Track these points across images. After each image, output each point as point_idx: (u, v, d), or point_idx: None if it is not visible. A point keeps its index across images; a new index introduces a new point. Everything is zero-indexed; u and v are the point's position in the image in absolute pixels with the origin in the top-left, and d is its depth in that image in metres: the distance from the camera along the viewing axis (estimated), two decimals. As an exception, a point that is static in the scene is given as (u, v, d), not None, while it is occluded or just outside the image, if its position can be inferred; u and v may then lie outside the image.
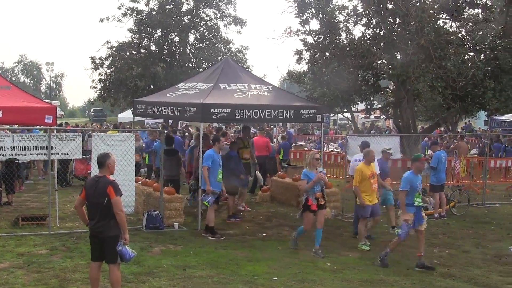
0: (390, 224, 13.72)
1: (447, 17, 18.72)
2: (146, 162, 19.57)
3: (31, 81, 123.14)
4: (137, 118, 19.38)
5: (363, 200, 12.02)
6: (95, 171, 11.49)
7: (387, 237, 13.02)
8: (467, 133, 39.36)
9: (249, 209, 16.46)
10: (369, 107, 21.76)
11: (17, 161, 15.08)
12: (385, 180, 13.46)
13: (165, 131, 17.08)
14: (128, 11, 38.85)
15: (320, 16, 19.16)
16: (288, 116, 14.34)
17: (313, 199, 11.34)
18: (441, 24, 18.50)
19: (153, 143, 18.07)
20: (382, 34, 18.35)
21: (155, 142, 17.64)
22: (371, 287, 9.61)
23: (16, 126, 19.63)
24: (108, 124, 46.81)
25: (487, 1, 18.69)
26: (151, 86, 36.86)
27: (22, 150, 12.86)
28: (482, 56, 18.88)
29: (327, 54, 19.61)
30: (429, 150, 21.26)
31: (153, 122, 42.68)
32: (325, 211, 11.95)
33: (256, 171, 17.89)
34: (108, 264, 8.06)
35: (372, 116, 39.31)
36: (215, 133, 19.51)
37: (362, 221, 12.32)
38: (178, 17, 39.29)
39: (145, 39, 39.57)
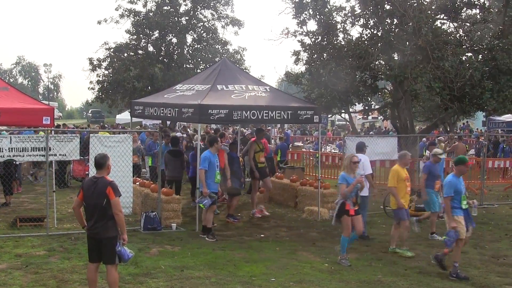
0: (431, 230, 13.56)
1: (444, 17, 18.73)
2: (150, 164, 19.18)
3: (29, 83, 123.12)
4: (134, 119, 19.37)
5: (401, 202, 11.68)
6: (93, 172, 11.48)
7: (385, 237, 13.03)
8: (464, 133, 39.39)
9: (268, 213, 16.00)
10: (366, 108, 21.76)
11: (15, 162, 15.06)
12: (435, 183, 13.32)
13: (165, 132, 17.10)
14: (126, 13, 38.82)
15: (318, 17, 19.17)
16: (285, 117, 14.36)
17: (350, 204, 10.86)
18: (439, 25, 18.51)
19: (155, 145, 17.97)
20: (379, 35, 18.35)
21: (157, 144, 17.57)
22: None
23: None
24: (106, 125, 46.76)
25: (485, 2, 18.69)
26: (149, 87, 36.80)
27: (20, 151, 12.85)
28: (480, 56, 18.90)
29: (325, 55, 19.60)
30: (426, 151, 21.26)
31: (150, 123, 42.65)
32: (360, 217, 11.20)
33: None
34: (106, 265, 8.06)
35: (370, 117, 39.34)
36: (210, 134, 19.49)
37: (403, 225, 11.90)
38: (176, 18, 39.26)
39: (143, 40, 39.51)
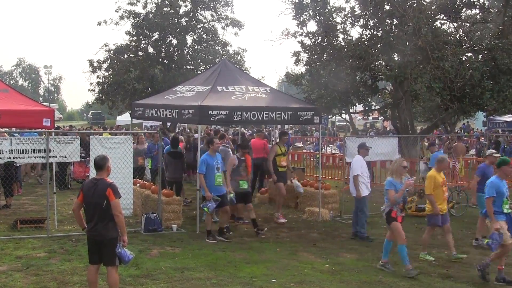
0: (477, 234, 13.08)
1: (444, 18, 18.76)
2: (150, 167, 18.87)
3: (29, 85, 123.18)
4: (135, 121, 19.37)
5: (437, 209, 11.29)
6: (93, 174, 11.48)
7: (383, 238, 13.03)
8: (465, 133, 39.38)
9: (285, 220, 15.35)
10: (367, 108, 21.78)
11: (15, 164, 15.06)
12: None
13: (164, 134, 17.09)
14: (126, 14, 38.87)
15: (318, 17, 19.22)
16: (286, 118, 14.35)
17: (397, 211, 10.49)
18: (439, 25, 18.54)
19: (155, 147, 17.92)
20: (379, 35, 18.38)
21: (157, 146, 17.53)
22: None
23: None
24: (106, 126, 46.78)
25: (485, 2, 18.72)
26: (149, 89, 36.85)
27: (20, 153, 12.84)
28: (480, 56, 18.93)
29: (325, 55, 19.65)
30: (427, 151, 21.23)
31: (151, 125, 42.65)
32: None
33: (293, 179, 17.01)
34: (106, 266, 8.05)
35: (370, 118, 39.35)
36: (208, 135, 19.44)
37: (430, 230, 11.75)
38: (176, 19, 39.30)
39: (143, 41, 39.56)
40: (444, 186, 11.58)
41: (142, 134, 17.70)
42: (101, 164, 8.10)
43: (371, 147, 14.34)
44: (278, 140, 16.26)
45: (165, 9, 39.02)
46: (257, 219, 13.86)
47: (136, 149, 16.93)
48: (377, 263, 10.95)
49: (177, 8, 39.63)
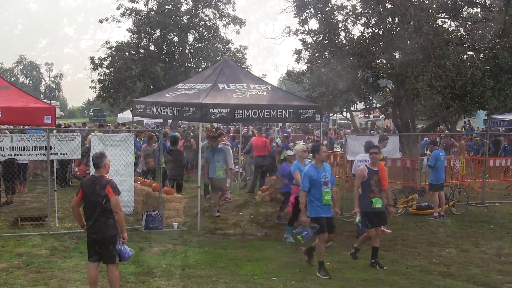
0: None
1: (446, 16, 18.70)
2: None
3: (30, 82, 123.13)
4: (136, 118, 19.37)
5: None
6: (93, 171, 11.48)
7: (386, 236, 13.02)
8: (464, 132, 39.33)
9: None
10: (368, 106, 21.75)
11: (16, 161, 15.06)
12: None
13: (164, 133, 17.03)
14: (127, 12, 38.88)
15: (319, 15, 19.15)
16: (287, 116, 14.35)
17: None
18: (440, 23, 18.49)
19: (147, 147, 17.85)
20: (381, 33, 18.32)
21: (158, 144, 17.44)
22: (370, 286, 9.61)
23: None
24: (109, 124, 46.78)
25: (486, 0, 18.65)
26: (151, 86, 36.89)
27: (21, 150, 12.85)
28: (481, 55, 18.87)
29: (326, 53, 19.60)
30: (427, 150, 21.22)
31: (152, 123, 42.66)
32: None
33: None
34: (106, 264, 8.06)
35: (371, 116, 39.30)
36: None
37: None
38: (177, 17, 39.30)
39: (144, 39, 39.59)
40: None
41: (154, 135, 17.41)
42: (99, 161, 8.10)
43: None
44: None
45: (166, 6, 39.02)
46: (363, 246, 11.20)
47: (146, 151, 16.87)
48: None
49: (179, 6, 39.63)
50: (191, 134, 24.47)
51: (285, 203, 13.62)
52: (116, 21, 39.21)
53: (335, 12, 19.11)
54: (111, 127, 33.59)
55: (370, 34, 18.84)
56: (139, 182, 15.81)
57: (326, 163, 10.67)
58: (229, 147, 18.15)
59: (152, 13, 38.62)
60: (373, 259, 10.74)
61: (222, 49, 40.93)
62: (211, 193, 16.06)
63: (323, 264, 10.15)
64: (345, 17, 19.40)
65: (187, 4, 39.95)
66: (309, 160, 11.53)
